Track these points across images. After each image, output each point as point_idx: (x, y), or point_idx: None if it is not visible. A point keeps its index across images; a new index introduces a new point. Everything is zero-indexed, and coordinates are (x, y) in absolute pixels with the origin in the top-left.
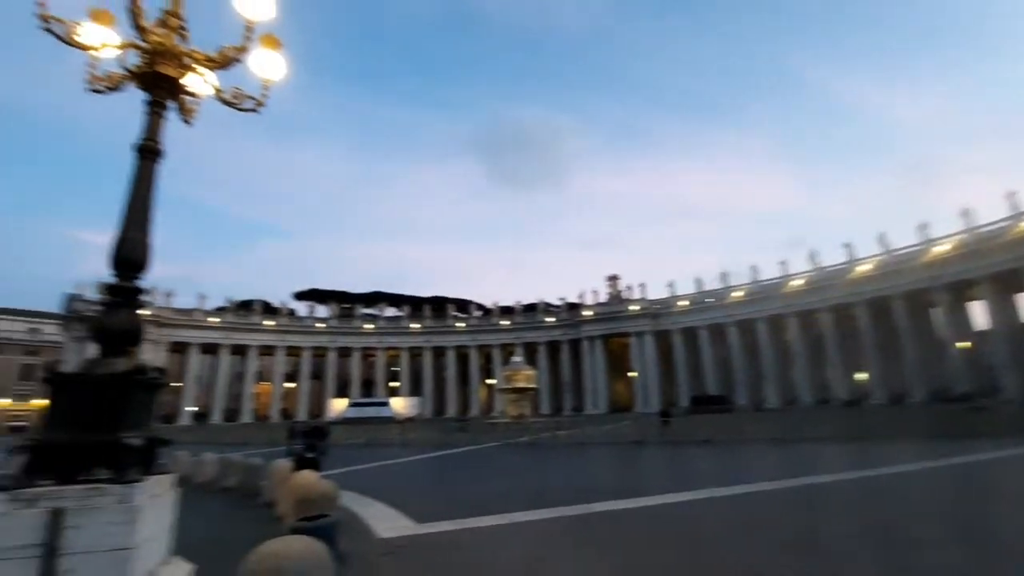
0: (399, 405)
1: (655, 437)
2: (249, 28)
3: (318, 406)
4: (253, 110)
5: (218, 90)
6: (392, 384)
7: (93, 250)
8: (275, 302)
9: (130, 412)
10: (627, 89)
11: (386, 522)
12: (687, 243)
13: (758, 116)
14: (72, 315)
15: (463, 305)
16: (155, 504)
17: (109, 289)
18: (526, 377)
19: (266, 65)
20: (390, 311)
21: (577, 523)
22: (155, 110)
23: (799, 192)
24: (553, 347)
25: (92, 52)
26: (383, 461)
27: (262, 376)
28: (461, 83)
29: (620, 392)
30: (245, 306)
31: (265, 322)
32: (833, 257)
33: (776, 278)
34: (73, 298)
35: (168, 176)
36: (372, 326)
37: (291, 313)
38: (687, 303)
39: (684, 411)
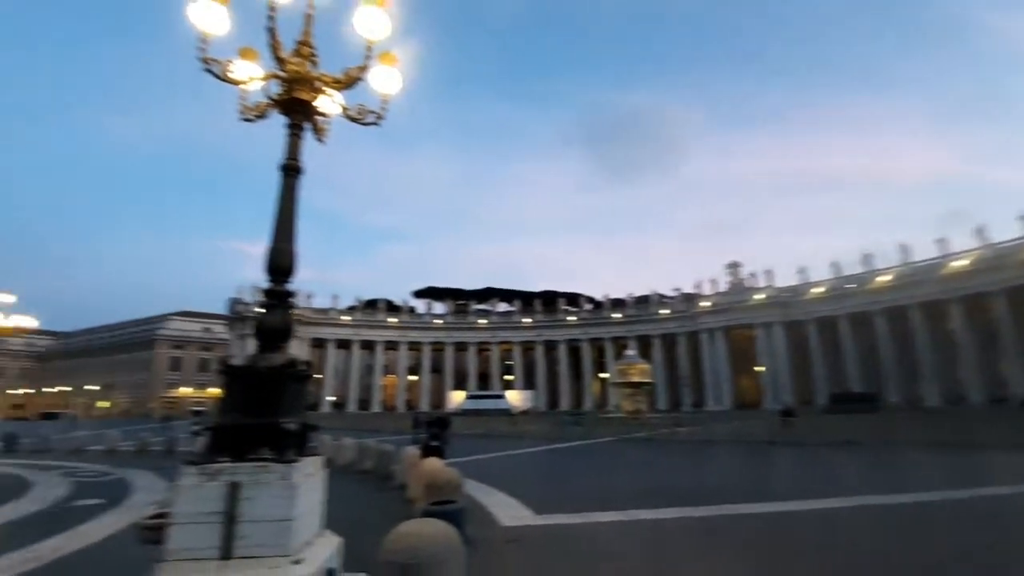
0: (514, 398)
1: (782, 436)
2: (369, 47)
3: (438, 398)
4: (375, 123)
5: (344, 108)
6: (506, 377)
7: (250, 259)
8: (397, 300)
9: (286, 400)
10: (742, 62)
11: (508, 511)
12: (819, 225)
13: (903, 75)
14: (234, 315)
15: (573, 299)
16: (309, 482)
17: (265, 293)
18: (640, 371)
19: (384, 81)
20: (502, 306)
21: (701, 524)
22: (294, 132)
23: (960, 159)
24: (668, 340)
25: (242, 86)
26: (501, 452)
27: (388, 369)
28: (562, 76)
29: (745, 387)
30: (371, 305)
31: (389, 319)
32: (1007, 231)
33: (934, 258)
34: (235, 301)
35: (305, 189)
36: (485, 321)
37: (411, 310)
38: (822, 290)
39: (821, 409)
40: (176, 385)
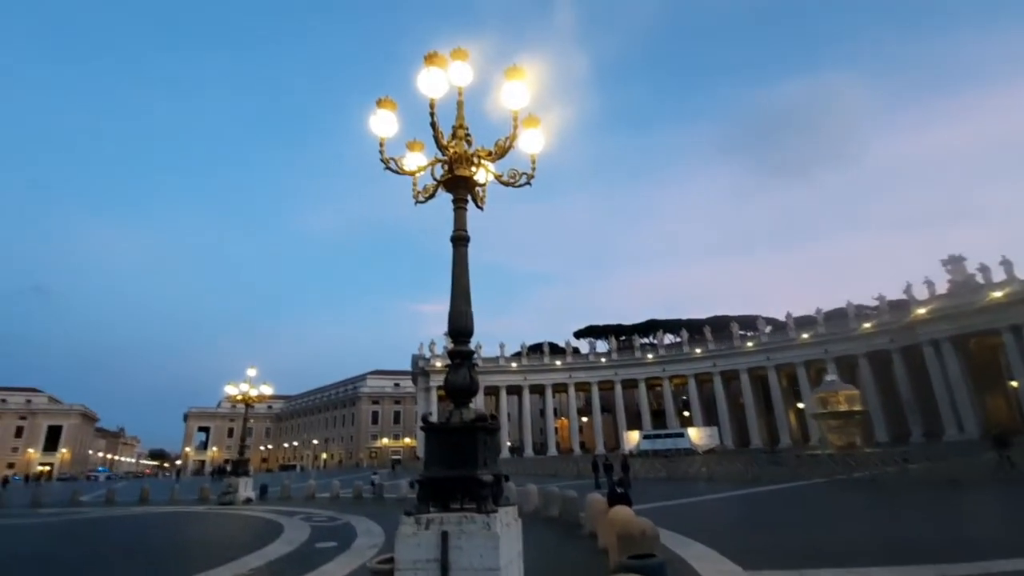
0: (696, 436)
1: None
2: (515, 117)
3: (613, 438)
4: (527, 184)
5: (497, 176)
6: (684, 414)
7: (425, 318)
8: (560, 342)
9: (480, 453)
10: (914, 16)
11: (712, 565)
12: None
13: None
14: (417, 371)
15: (749, 322)
16: (508, 532)
17: (450, 354)
18: (848, 398)
19: (531, 143)
20: (669, 338)
21: None
22: (459, 205)
23: None
24: (879, 358)
25: (413, 175)
26: (689, 497)
27: (559, 412)
28: (700, 86)
29: (998, 409)
30: (536, 349)
31: (555, 362)
32: None
33: None
34: (417, 358)
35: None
36: (652, 355)
37: (575, 351)
38: None
39: None
40: (377, 437)
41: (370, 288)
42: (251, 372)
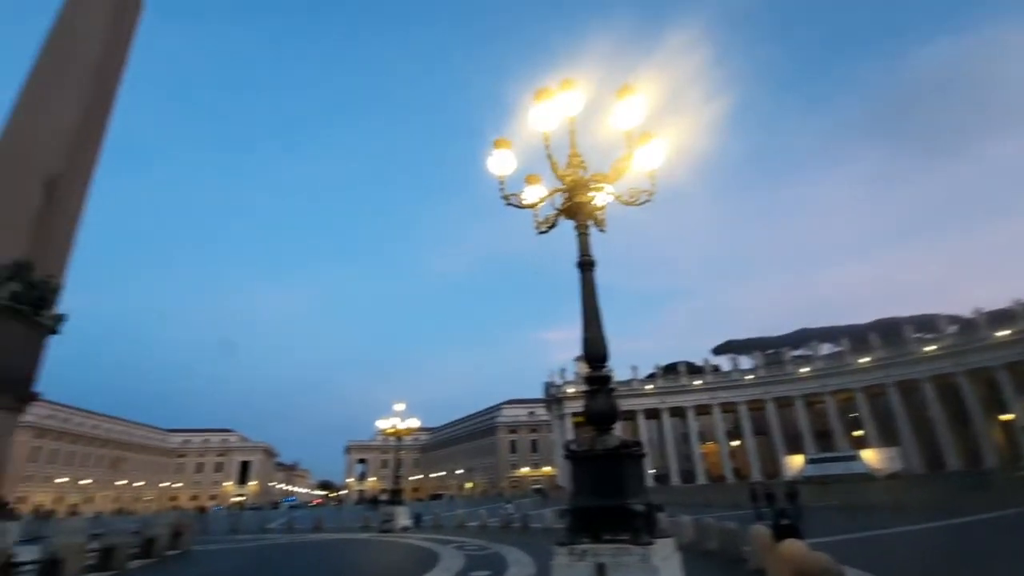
0: (872, 458)
1: None
2: (629, 137)
3: (770, 464)
4: (647, 201)
5: (617, 196)
6: (854, 433)
7: (553, 345)
8: (697, 360)
9: (628, 481)
10: None
11: None
12: None
13: None
14: (550, 398)
15: (925, 322)
16: (667, 566)
17: (587, 380)
18: None
19: (647, 158)
20: (825, 348)
21: None
22: (581, 231)
23: None
24: None
25: (533, 207)
26: (873, 531)
27: (705, 436)
28: (831, 66)
29: None
30: (671, 370)
31: (693, 382)
32: None
33: None
34: (548, 385)
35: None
36: (808, 369)
37: (715, 369)
38: None
39: None
40: (516, 465)
41: (498, 320)
42: (398, 407)
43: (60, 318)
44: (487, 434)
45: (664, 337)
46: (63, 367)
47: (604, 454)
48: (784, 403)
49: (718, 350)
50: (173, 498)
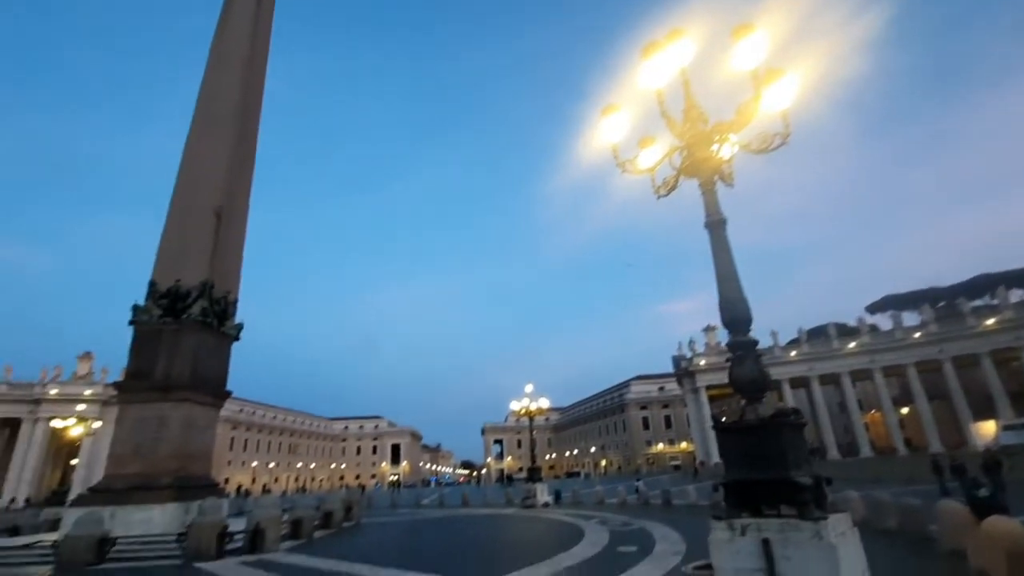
0: None
1: None
2: (755, 77)
3: (952, 432)
4: (781, 145)
5: (744, 145)
6: None
7: (678, 318)
8: (849, 321)
9: (788, 452)
10: None
11: None
12: None
13: None
14: (680, 373)
15: None
16: (845, 543)
17: (730, 347)
18: None
19: (776, 98)
20: (1014, 294)
21: None
22: (707, 189)
23: None
24: None
25: (650, 172)
26: None
27: (864, 404)
28: None
29: None
30: (817, 333)
31: (848, 345)
32: None
33: None
34: (678, 359)
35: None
36: (993, 320)
37: (872, 329)
38: None
39: None
40: (651, 443)
41: (619, 297)
42: (528, 388)
43: (239, 327)
44: (617, 412)
45: (804, 299)
46: (244, 368)
47: (759, 424)
48: (966, 362)
49: (874, 308)
50: (341, 478)
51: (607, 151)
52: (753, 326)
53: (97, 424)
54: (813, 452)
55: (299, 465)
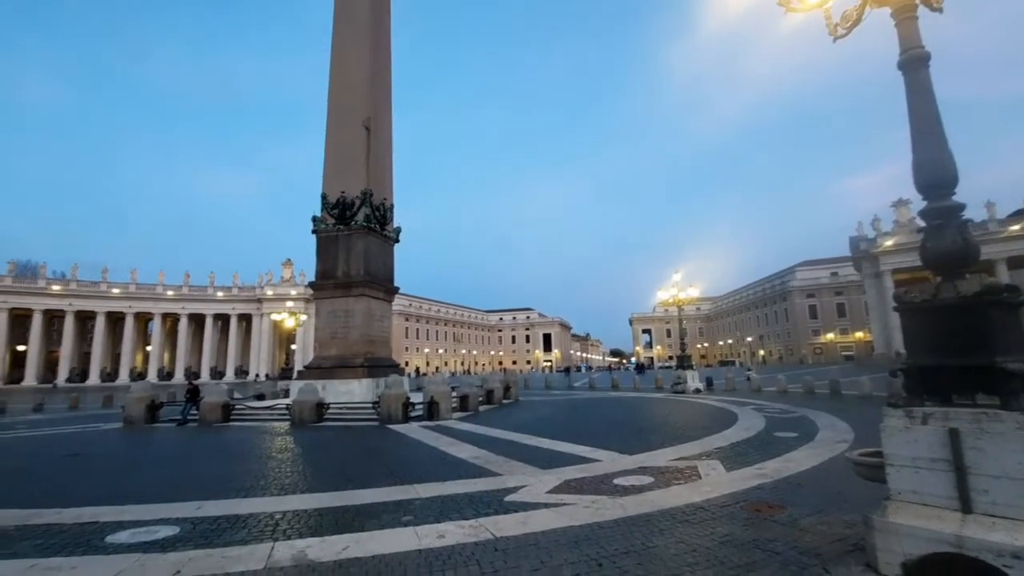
0: None
1: None
2: None
3: None
4: None
5: None
6: None
7: (855, 195)
8: None
9: (994, 335)
10: None
11: None
12: None
13: None
14: (859, 255)
15: None
16: None
17: (924, 215)
18: None
19: None
20: None
21: None
22: (903, 16)
23: None
24: None
25: (822, 5)
26: None
27: None
28: None
29: None
30: None
31: None
32: None
33: None
34: (857, 240)
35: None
36: None
37: None
38: None
39: None
40: (819, 332)
41: (783, 174)
42: (676, 276)
43: (398, 230)
44: (779, 300)
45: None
46: (409, 266)
47: (958, 303)
48: None
49: None
50: (499, 363)
51: None
52: (962, 196)
53: (303, 317)
54: None
55: (463, 351)
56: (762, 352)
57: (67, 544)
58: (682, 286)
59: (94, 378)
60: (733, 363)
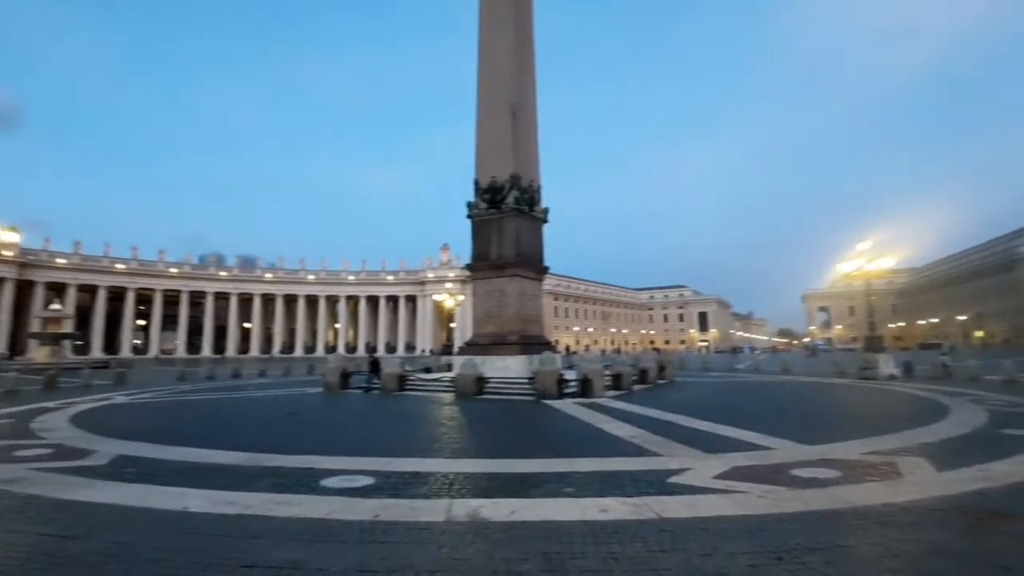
0: None
1: None
2: None
3: None
4: None
5: None
6: None
7: None
8: None
9: None
10: None
11: None
12: None
13: None
14: None
15: None
16: None
17: None
18: None
19: None
20: None
21: None
22: None
23: None
24: None
25: None
26: None
27: None
28: None
29: None
30: None
31: None
32: None
33: None
34: None
35: None
36: None
37: None
38: None
39: None
40: None
41: (990, 123)
42: (862, 246)
43: (545, 211)
44: (1003, 270)
45: None
46: (557, 245)
47: None
48: None
49: None
50: (651, 342)
51: None
52: None
53: (461, 297)
54: None
55: (612, 330)
56: (979, 333)
57: (292, 484)
58: (871, 256)
59: (299, 350)
60: (939, 345)
